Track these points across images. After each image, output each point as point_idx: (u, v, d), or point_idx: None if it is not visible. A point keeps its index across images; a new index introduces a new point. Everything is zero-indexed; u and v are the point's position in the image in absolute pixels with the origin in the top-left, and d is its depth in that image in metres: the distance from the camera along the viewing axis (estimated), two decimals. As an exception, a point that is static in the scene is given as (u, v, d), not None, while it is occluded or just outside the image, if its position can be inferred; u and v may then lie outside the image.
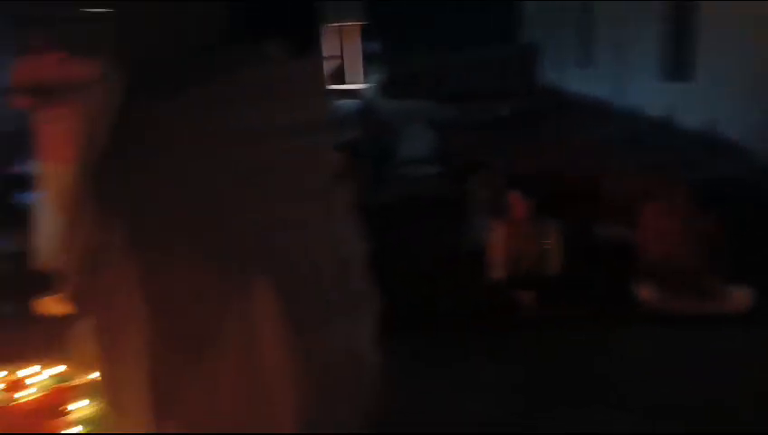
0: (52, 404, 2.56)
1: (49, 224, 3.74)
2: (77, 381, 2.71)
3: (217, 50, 0.97)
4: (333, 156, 1.09)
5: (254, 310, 0.97)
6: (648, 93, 8.79)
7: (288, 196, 1.01)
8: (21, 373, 2.78)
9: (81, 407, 2.51)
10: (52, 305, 3.36)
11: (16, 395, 2.65)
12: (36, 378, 2.74)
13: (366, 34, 13.99)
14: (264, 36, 1.00)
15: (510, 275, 3.59)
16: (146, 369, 0.97)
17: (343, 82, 14.36)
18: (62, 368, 2.79)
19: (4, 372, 2.79)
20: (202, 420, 0.99)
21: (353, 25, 15.10)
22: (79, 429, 2.37)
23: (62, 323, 3.21)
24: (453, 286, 3.41)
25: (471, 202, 4.31)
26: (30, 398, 2.65)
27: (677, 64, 8.33)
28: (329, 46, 14.07)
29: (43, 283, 3.52)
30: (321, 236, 1.05)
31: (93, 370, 1.14)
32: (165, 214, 0.95)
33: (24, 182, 4.17)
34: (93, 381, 2.69)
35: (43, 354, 2.89)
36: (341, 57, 15.57)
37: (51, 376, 2.75)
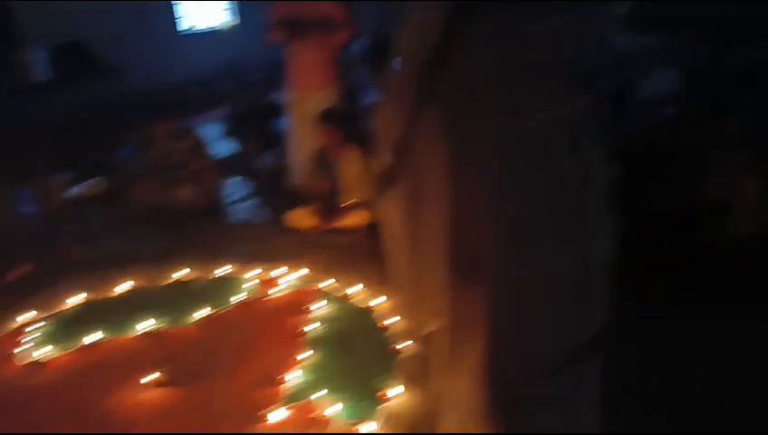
0: (297, 302, 2.89)
1: (298, 146, 4.18)
2: (318, 285, 3.07)
3: None
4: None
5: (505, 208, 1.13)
6: None
7: (547, 120, 1.11)
8: (272, 273, 3.16)
9: (320, 307, 2.84)
10: (301, 218, 3.80)
11: (269, 291, 3.02)
12: (286, 278, 3.13)
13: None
14: None
15: (755, 233, 3.20)
16: (445, 238, 1.20)
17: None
18: (305, 271, 3.17)
19: (260, 270, 3.19)
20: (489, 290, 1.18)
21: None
22: (317, 325, 2.69)
23: (307, 233, 3.63)
24: (690, 238, 3.12)
25: (718, 151, 3.85)
26: (279, 295, 2.99)
27: None
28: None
29: (296, 198, 3.99)
30: (567, 157, 1.13)
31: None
32: (469, 102, 1.13)
33: (279, 109, 4.65)
34: (330, 287, 3.04)
35: (291, 258, 3.30)
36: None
37: (297, 278, 3.13)
